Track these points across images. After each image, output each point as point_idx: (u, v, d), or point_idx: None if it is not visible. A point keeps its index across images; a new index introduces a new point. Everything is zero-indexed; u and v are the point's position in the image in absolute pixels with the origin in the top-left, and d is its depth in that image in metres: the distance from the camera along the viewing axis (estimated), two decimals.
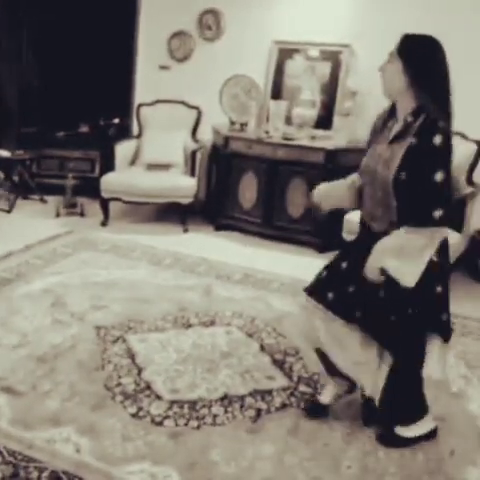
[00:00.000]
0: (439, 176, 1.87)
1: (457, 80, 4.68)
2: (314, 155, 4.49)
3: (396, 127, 2.01)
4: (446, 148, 1.89)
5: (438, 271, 2.05)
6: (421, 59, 1.89)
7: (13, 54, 5.68)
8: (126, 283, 3.67)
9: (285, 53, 4.96)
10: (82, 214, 5.11)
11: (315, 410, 2.44)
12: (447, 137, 1.88)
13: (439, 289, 2.08)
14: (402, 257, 1.94)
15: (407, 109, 1.96)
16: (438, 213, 1.88)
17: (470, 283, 4.13)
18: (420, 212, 1.91)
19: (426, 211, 1.89)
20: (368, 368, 2.20)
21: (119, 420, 2.31)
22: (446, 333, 2.15)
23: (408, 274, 1.96)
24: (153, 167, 5.04)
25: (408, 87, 1.93)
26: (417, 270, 1.96)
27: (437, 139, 1.85)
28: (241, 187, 4.85)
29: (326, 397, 2.45)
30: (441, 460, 2.21)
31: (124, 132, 5.61)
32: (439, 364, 2.17)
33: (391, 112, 2.08)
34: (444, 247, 2.08)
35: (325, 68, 4.80)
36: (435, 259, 2.01)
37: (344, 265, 2.21)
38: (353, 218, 4.04)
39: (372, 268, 2.00)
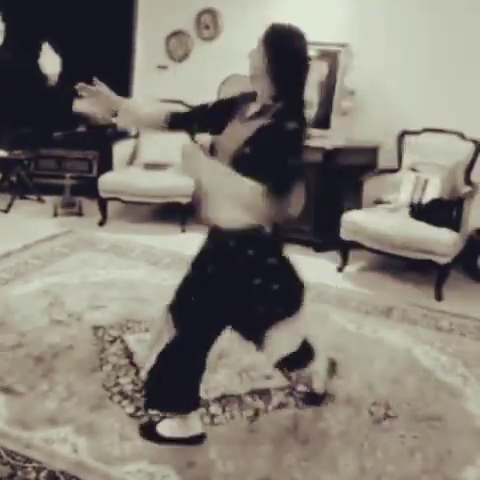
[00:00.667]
0: (291, 160, 1.88)
1: (456, 80, 4.70)
2: (312, 154, 4.47)
3: (254, 108, 2.05)
4: (297, 135, 1.91)
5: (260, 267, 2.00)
6: (277, 48, 1.94)
7: (9, 53, 5.66)
8: (124, 283, 3.67)
9: None
10: (80, 214, 5.11)
11: (312, 400, 2.50)
12: (300, 124, 1.91)
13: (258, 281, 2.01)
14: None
15: (266, 94, 1.99)
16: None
17: (468, 282, 4.13)
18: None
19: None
20: None
21: (117, 420, 2.30)
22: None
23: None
24: (151, 167, 5.04)
25: (267, 73, 1.96)
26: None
27: (290, 125, 1.88)
28: None
29: (318, 386, 2.48)
30: (439, 460, 2.22)
31: (122, 132, 5.61)
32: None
33: (251, 96, 2.10)
34: (261, 243, 1.99)
35: (323, 67, 4.79)
36: (251, 254, 1.97)
37: None
38: (351, 218, 4.06)
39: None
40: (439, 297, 3.77)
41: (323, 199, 4.52)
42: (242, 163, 1.90)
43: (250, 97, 2.09)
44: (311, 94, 4.73)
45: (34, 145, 5.53)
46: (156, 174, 4.93)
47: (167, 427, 2.20)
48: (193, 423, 2.19)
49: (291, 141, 1.90)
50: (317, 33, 4.72)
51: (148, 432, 2.22)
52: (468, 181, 4.16)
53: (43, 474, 1.99)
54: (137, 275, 3.81)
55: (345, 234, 4.08)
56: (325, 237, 4.52)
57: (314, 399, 2.51)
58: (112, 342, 2.91)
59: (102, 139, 5.46)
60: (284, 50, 1.93)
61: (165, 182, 4.84)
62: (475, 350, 3.11)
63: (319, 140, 4.58)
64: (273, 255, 2.05)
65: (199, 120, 2.26)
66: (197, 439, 2.19)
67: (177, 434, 2.18)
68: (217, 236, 2.00)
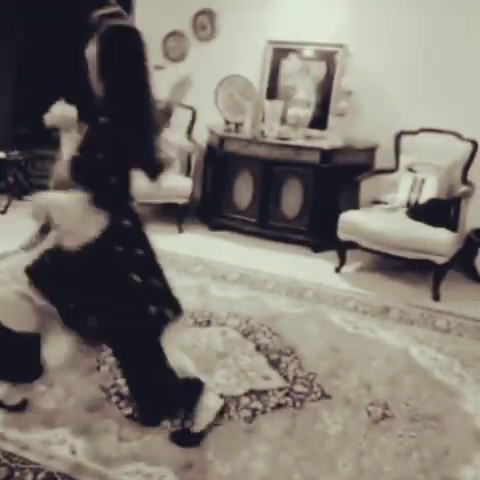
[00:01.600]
0: (100, 156, 1.87)
1: (452, 81, 4.71)
2: (309, 155, 4.50)
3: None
4: (108, 132, 1.88)
5: (130, 260, 1.99)
6: (106, 49, 1.90)
7: (6, 53, 5.67)
8: None
9: (280, 53, 4.96)
10: None
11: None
12: (115, 122, 1.88)
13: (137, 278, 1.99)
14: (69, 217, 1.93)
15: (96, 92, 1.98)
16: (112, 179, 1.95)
17: (466, 282, 4.14)
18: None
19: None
20: None
21: (115, 421, 2.30)
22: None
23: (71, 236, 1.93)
24: None
25: (96, 69, 1.93)
26: (80, 234, 1.92)
27: (102, 120, 1.88)
28: (236, 187, 4.85)
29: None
30: (437, 459, 2.22)
31: None
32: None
33: None
34: (124, 235, 2.05)
35: (320, 68, 4.80)
36: (120, 249, 1.97)
37: None
38: (348, 218, 4.06)
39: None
40: (436, 297, 3.77)
41: (320, 199, 4.53)
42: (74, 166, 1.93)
43: None
44: (308, 94, 4.74)
45: (31, 146, 5.53)
46: None
47: (198, 422, 2.21)
48: (211, 399, 2.26)
49: (102, 137, 1.87)
50: (315, 34, 4.79)
51: (184, 439, 2.20)
52: (465, 181, 4.17)
53: (41, 476, 1.98)
54: None
55: (342, 234, 4.08)
56: (322, 237, 4.52)
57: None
58: None
59: None
60: (108, 54, 1.89)
61: (162, 183, 4.82)
62: (472, 350, 3.11)
63: (316, 140, 4.60)
64: (140, 246, 2.05)
65: None
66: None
67: (210, 417, 2.23)
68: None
